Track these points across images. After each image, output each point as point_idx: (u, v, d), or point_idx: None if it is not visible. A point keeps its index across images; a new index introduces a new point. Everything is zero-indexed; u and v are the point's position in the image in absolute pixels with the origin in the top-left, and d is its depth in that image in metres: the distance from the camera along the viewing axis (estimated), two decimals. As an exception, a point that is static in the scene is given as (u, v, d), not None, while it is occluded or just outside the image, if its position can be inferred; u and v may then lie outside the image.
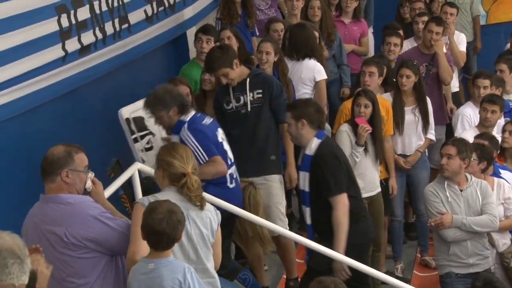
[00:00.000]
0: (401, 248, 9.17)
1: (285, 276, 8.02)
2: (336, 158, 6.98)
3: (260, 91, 7.60)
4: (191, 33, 10.28)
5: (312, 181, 6.99)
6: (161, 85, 7.27)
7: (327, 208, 6.92)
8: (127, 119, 6.97)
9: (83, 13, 7.66)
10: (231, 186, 7.03)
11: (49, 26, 7.18)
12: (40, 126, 7.16)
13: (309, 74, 8.78)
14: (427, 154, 9.14)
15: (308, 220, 7.09)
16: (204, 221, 5.52)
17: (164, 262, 5.06)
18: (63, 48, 7.31)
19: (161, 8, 9.50)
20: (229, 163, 7.04)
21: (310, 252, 7.01)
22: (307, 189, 7.02)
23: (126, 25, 8.43)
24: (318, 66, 8.80)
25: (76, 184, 5.23)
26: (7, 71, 6.62)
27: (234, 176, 7.11)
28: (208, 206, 5.62)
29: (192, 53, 10.06)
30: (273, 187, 7.65)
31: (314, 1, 10.09)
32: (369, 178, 8.23)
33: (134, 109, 7.09)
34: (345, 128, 8.19)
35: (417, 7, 11.16)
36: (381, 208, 8.41)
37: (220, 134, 7.03)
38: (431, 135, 8.94)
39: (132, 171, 6.81)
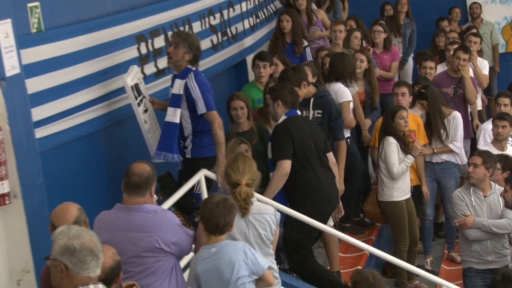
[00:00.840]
0: (430, 244, 9.21)
1: (328, 268, 7.98)
2: (287, 130, 6.96)
3: (320, 111, 7.68)
4: (250, 59, 10.48)
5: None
6: (193, 34, 7.27)
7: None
8: (131, 87, 6.92)
9: (159, 42, 7.86)
10: None
11: (131, 52, 7.42)
12: (126, 137, 7.38)
13: (333, 95, 8.85)
14: (456, 165, 9.19)
15: None
16: (262, 223, 5.57)
17: (223, 244, 5.16)
18: (142, 71, 7.55)
19: (225, 38, 9.69)
20: None
21: (284, 224, 7.02)
22: (269, 156, 7.09)
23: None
24: (342, 89, 8.61)
25: (153, 196, 5.35)
26: (96, 90, 6.86)
27: None
28: (268, 208, 5.66)
29: (251, 76, 10.24)
30: None
31: (356, 33, 10.26)
32: (407, 183, 8.39)
33: (132, 77, 7.01)
34: (392, 140, 8.29)
35: (451, 37, 11.35)
36: (414, 209, 8.53)
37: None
38: (452, 145, 9.01)
39: (199, 177, 6.86)
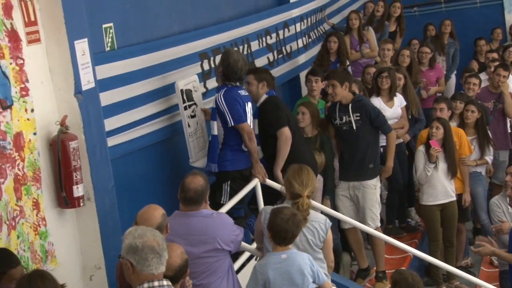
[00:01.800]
0: (468, 247, 9.13)
1: (375, 268, 7.99)
2: (276, 105, 7.11)
3: (359, 114, 7.63)
4: (303, 75, 10.51)
5: (260, 125, 7.16)
6: (240, 56, 7.07)
7: (272, 142, 7.05)
8: (181, 90, 6.93)
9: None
10: (245, 149, 6.91)
11: (194, 69, 7.49)
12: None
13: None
14: (482, 173, 9.03)
15: (261, 154, 7.18)
16: (311, 230, 5.51)
17: (293, 252, 5.16)
18: (205, 85, 7.62)
19: (280, 56, 9.75)
20: None
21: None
22: (256, 131, 7.11)
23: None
24: (377, 103, 8.58)
25: (208, 202, 5.39)
26: (161, 104, 6.95)
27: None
28: (318, 216, 5.60)
29: (304, 91, 10.28)
30: (368, 192, 7.67)
31: (404, 51, 10.18)
32: (439, 188, 8.27)
33: (186, 83, 7.03)
34: (421, 148, 8.33)
35: (491, 56, 11.24)
36: (454, 214, 8.42)
37: (248, 107, 6.92)
38: (487, 157, 8.91)
39: (254, 183, 6.87)
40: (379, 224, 7.83)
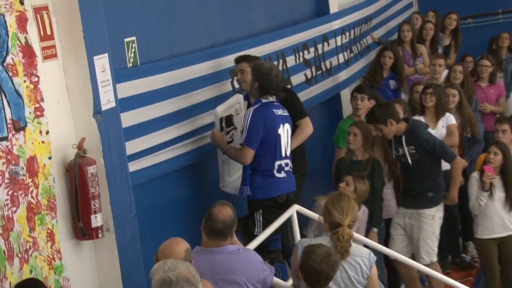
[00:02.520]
0: None
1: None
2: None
3: (413, 147, 7.68)
4: (344, 93, 10.53)
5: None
6: (271, 64, 7.28)
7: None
8: (221, 118, 7.01)
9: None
10: (278, 175, 6.97)
11: (224, 86, 7.58)
12: (215, 172, 7.43)
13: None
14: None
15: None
16: (353, 266, 5.50)
17: None
18: (236, 104, 7.72)
19: (319, 72, 9.76)
20: (282, 155, 6.98)
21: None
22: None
23: (289, 86, 8.68)
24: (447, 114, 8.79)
25: (234, 235, 5.36)
26: (188, 125, 7.00)
27: (285, 168, 7.03)
28: (361, 250, 5.58)
29: (345, 110, 10.28)
30: (425, 222, 7.73)
31: (457, 66, 10.17)
32: (496, 220, 8.16)
33: (228, 107, 7.12)
34: (474, 174, 8.26)
35: None
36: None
37: (284, 128, 6.99)
38: None
39: (291, 213, 6.85)
40: (435, 259, 7.82)
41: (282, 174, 7.01)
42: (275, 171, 6.98)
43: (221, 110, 7.05)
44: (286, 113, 7.09)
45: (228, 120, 7.15)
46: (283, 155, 7.01)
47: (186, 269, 3.89)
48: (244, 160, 6.92)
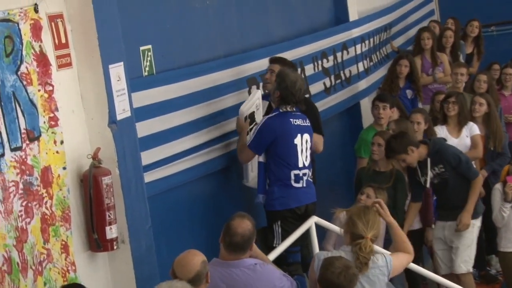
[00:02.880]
0: None
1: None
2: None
3: (442, 165, 7.69)
4: (364, 102, 10.50)
5: None
6: (297, 75, 7.22)
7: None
8: (246, 117, 7.08)
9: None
10: (295, 185, 6.96)
11: (241, 96, 7.55)
12: (232, 183, 7.47)
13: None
14: None
15: None
16: (371, 281, 5.48)
17: None
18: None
19: (338, 81, 9.74)
20: (299, 165, 6.96)
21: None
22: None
23: (307, 95, 8.64)
24: (441, 132, 8.72)
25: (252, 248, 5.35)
26: (205, 135, 7.00)
27: (304, 178, 7.00)
28: (377, 260, 5.54)
29: (365, 120, 10.25)
30: (466, 230, 7.76)
31: (481, 75, 10.11)
32: None
33: (250, 105, 7.16)
34: (497, 186, 8.25)
35: None
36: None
37: (303, 138, 6.98)
38: None
39: (309, 224, 6.85)
40: (471, 269, 7.86)
41: (301, 184, 6.99)
42: (292, 181, 6.96)
43: (246, 109, 7.11)
44: (306, 123, 7.08)
45: (252, 117, 7.19)
46: (301, 165, 6.99)
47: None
48: (241, 156, 7.03)
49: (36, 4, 5.03)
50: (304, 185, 7.02)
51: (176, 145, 6.67)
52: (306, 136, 7.03)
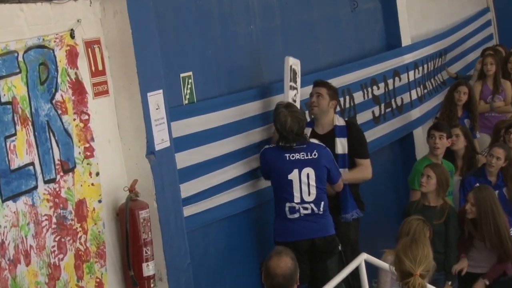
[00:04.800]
0: None
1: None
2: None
3: None
4: (417, 133, 10.45)
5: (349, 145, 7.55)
6: (289, 115, 7.00)
7: None
8: (290, 66, 7.20)
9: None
10: (291, 216, 6.97)
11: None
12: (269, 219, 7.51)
13: None
14: None
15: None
16: None
17: None
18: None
19: (389, 109, 9.71)
20: (295, 200, 6.96)
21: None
22: (342, 151, 7.53)
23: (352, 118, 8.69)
24: None
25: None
26: (244, 165, 7.03)
27: (302, 211, 6.97)
28: None
29: (418, 152, 10.20)
30: None
31: None
32: None
33: (295, 63, 7.32)
34: None
35: None
36: None
37: (302, 174, 6.96)
38: None
39: (359, 261, 6.69)
40: None
41: (297, 215, 6.99)
42: (287, 213, 6.99)
43: (291, 60, 7.27)
44: (312, 156, 7.03)
45: (294, 77, 7.30)
46: (297, 200, 6.99)
47: None
48: None
49: (72, 29, 5.11)
50: (305, 218, 7.01)
51: (218, 176, 6.71)
52: (308, 170, 7.00)
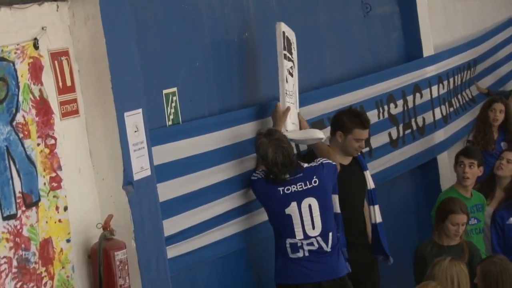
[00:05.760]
0: None
1: None
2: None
3: None
4: (442, 158, 10.48)
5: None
6: (270, 146, 6.97)
7: None
8: (283, 33, 7.20)
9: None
10: (293, 256, 6.99)
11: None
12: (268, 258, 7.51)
13: None
14: None
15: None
16: None
17: None
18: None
19: (408, 131, 9.77)
20: (298, 237, 6.96)
21: None
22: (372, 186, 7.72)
23: (367, 149, 8.71)
24: None
25: None
26: (237, 198, 7.05)
27: (306, 248, 6.99)
28: None
29: (443, 180, 10.23)
30: None
31: None
32: None
33: (289, 31, 7.35)
34: None
35: None
36: None
37: (302, 206, 6.95)
38: None
39: None
40: None
41: (301, 254, 7.00)
42: (288, 251, 6.99)
43: (283, 26, 7.27)
44: (312, 185, 7.02)
45: (288, 46, 7.32)
46: (300, 236, 6.97)
47: None
48: None
49: (36, 38, 5.13)
50: (308, 257, 7.01)
51: (206, 210, 6.71)
52: (309, 201, 7.00)
